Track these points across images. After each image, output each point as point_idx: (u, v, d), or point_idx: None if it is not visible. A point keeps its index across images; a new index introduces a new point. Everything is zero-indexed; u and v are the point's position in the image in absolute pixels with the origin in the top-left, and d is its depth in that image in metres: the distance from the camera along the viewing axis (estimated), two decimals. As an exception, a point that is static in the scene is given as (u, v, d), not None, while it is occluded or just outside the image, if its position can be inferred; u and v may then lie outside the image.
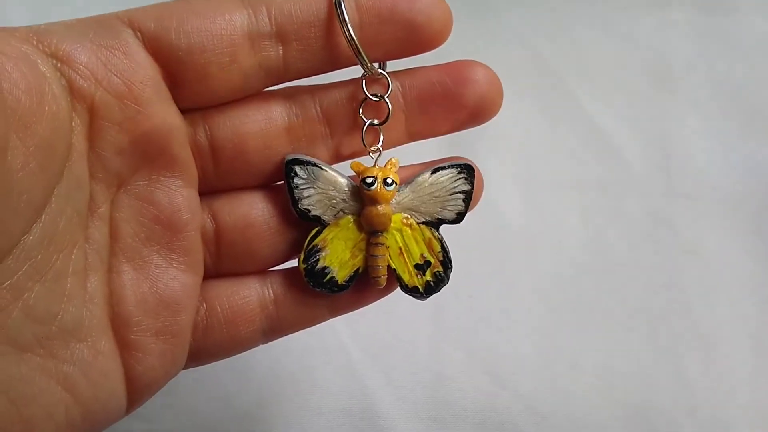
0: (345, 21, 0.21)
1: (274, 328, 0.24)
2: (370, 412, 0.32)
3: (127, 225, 0.21)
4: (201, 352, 0.23)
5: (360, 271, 0.24)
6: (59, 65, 0.19)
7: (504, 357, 0.34)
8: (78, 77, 0.20)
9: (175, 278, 0.22)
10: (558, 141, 0.38)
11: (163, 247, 0.22)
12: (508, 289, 0.35)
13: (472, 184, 0.24)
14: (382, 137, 0.24)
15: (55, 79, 0.19)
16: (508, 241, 0.36)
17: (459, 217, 0.24)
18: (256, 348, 0.33)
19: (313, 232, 0.23)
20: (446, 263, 0.24)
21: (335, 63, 0.22)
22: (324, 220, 0.23)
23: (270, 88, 0.23)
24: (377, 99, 0.23)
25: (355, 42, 0.21)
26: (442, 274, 0.24)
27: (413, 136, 0.24)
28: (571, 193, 0.37)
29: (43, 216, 0.19)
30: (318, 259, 0.23)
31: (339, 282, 0.24)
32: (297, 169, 0.23)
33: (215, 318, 0.23)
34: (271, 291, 0.24)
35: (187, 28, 0.21)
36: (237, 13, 0.21)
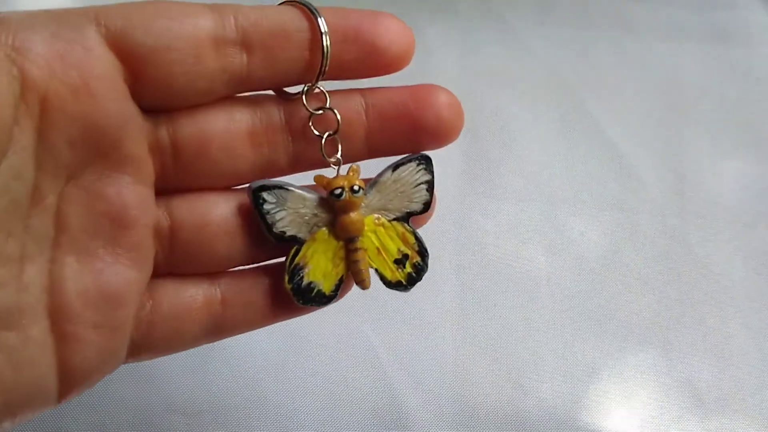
0: (323, 32, 0.21)
1: (219, 328, 0.24)
2: (397, 412, 0.33)
3: (75, 218, 0.21)
4: (143, 348, 0.23)
5: (344, 278, 0.24)
6: (13, 54, 0.19)
7: (526, 364, 0.34)
8: (33, 67, 0.19)
9: (120, 274, 0.21)
10: (577, 161, 0.40)
11: (110, 242, 0.21)
12: (530, 300, 0.36)
13: (432, 173, 0.24)
14: (340, 148, 0.23)
15: (4, 68, 0.19)
16: (530, 254, 0.37)
17: (425, 207, 0.24)
18: (289, 349, 0.33)
19: (293, 251, 0.23)
20: (423, 252, 0.24)
21: (298, 77, 0.23)
22: (300, 238, 0.23)
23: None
24: (321, 112, 0.23)
25: (327, 54, 0.22)
26: (421, 263, 0.24)
27: (373, 152, 0.24)
28: (591, 210, 0.38)
29: None
30: (302, 277, 0.23)
31: (326, 293, 0.24)
32: (265, 195, 0.23)
33: (160, 314, 0.23)
34: (218, 291, 0.23)
35: (154, 27, 0.20)
36: (204, 18, 0.21)
